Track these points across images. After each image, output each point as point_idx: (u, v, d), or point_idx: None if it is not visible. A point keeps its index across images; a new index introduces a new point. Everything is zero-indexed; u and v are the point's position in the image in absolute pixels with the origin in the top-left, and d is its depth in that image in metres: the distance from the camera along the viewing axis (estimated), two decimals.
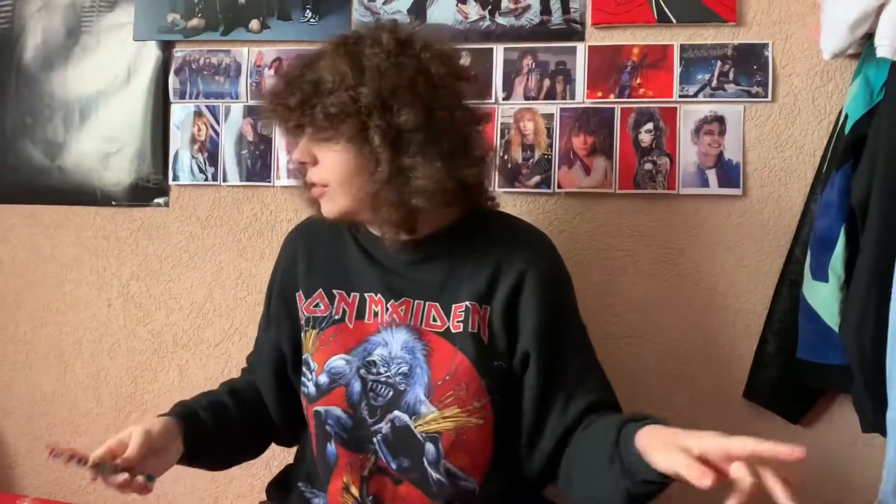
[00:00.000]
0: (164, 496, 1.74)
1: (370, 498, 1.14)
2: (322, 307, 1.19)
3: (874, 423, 1.28)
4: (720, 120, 1.54)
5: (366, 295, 1.18)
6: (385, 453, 1.13)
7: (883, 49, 1.28)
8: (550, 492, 1.22)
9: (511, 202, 1.60)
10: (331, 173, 1.11)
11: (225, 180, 1.73)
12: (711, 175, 1.54)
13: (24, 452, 1.84)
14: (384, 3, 1.66)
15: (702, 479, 0.78)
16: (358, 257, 1.20)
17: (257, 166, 1.72)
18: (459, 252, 1.16)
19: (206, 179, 1.74)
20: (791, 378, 1.45)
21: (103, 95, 1.81)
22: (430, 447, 1.12)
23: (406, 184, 1.07)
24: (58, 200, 1.82)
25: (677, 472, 0.83)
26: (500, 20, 1.62)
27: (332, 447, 1.16)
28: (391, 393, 1.13)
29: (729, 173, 1.53)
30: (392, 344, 1.14)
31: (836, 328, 1.34)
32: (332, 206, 1.14)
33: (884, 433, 1.24)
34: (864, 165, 1.30)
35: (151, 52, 1.77)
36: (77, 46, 1.82)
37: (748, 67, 1.53)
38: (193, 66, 1.75)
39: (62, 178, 1.82)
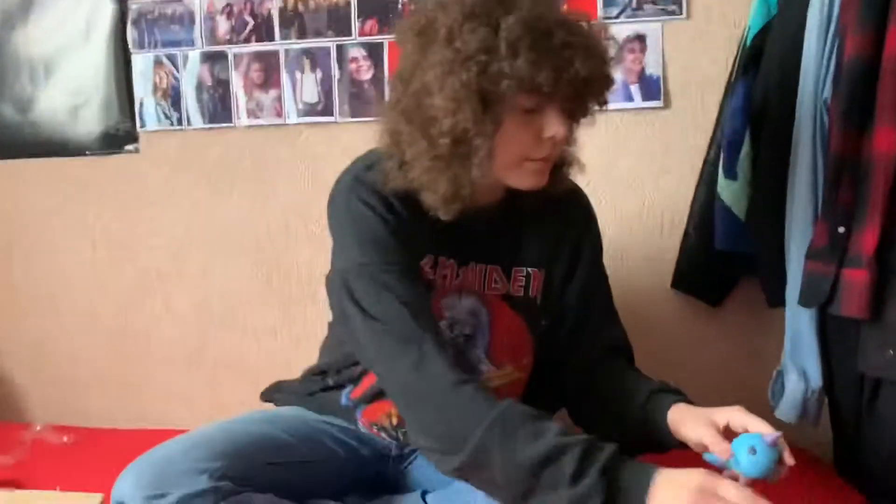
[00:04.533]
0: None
1: (402, 431, 1.26)
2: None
3: (777, 299, 1.48)
4: (641, 38, 1.68)
5: (439, 258, 1.18)
6: None
7: None
8: None
9: None
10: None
11: (189, 124, 1.86)
12: (635, 90, 1.69)
13: (31, 387, 2.01)
14: None
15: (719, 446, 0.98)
16: (432, 221, 1.13)
17: (218, 109, 1.84)
18: (518, 213, 1.20)
19: (172, 124, 1.87)
20: (711, 267, 1.64)
21: (65, 51, 1.91)
22: None
23: None
24: (34, 154, 1.94)
25: (702, 441, 1.00)
26: None
27: None
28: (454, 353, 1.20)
29: (651, 87, 1.69)
30: (457, 307, 1.19)
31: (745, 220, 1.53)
32: (546, 177, 1.14)
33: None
34: (761, 75, 1.46)
35: (107, 5, 1.87)
36: (34, 5, 1.91)
37: None
38: (149, 17, 1.85)
39: (35, 132, 1.94)
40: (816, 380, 1.38)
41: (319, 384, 1.32)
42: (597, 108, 1.13)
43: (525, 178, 1.12)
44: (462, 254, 1.19)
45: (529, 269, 1.22)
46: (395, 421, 1.25)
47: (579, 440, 0.92)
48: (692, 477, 0.89)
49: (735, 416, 1.01)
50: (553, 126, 1.06)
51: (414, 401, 1.04)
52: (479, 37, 1.00)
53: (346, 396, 1.28)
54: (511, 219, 1.21)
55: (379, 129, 1.15)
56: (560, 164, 1.19)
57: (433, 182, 1.08)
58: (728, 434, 1.01)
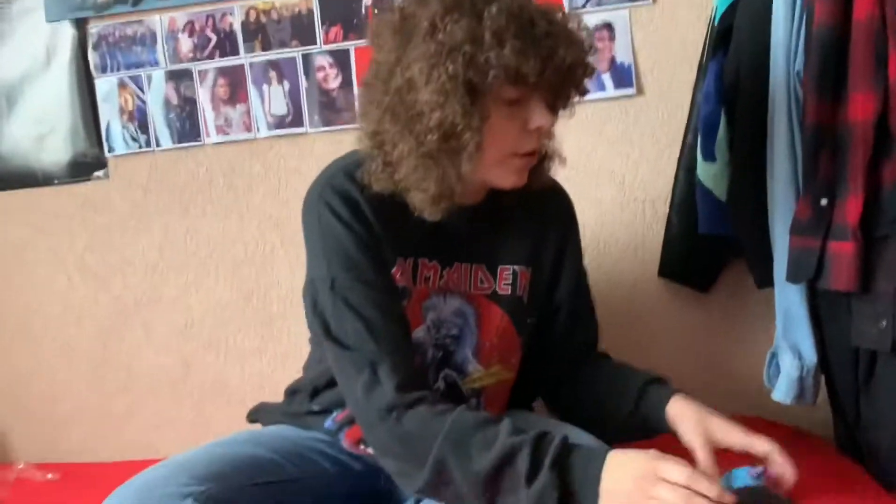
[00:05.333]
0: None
1: None
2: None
3: (765, 279, 1.45)
4: (609, 26, 1.66)
5: (419, 260, 1.15)
6: None
7: None
8: None
9: None
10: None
11: (158, 145, 1.83)
12: (607, 78, 1.67)
13: (11, 425, 1.95)
14: None
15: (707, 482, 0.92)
16: (412, 222, 1.11)
17: (186, 127, 1.81)
18: (500, 212, 1.18)
19: (140, 147, 1.83)
20: (697, 252, 1.61)
21: (27, 79, 1.87)
22: (473, 401, 1.20)
23: None
24: (2, 187, 1.90)
25: (694, 451, 1.01)
26: None
27: None
28: (441, 353, 1.18)
29: (622, 75, 1.67)
30: (441, 308, 1.17)
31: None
32: (526, 175, 1.12)
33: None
34: (731, 53, 1.44)
35: (67, 31, 1.83)
36: None
37: None
38: (110, 40, 1.82)
39: (2, 165, 1.89)
40: (811, 357, 1.34)
41: (304, 407, 1.28)
42: (577, 97, 1.12)
43: (508, 177, 1.10)
44: (445, 255, 1.16)
45: (516, 268, 1.20)
46: None
47: (527, 439, 0.95)
48: (639, 460, 0.92)
49: (735, 441, 1.03)
50: (538, 116, 1.05)
51: (369, 425, 1.05)
52: (464, 27, 0.98)
53: (331, 420, 1.24)
54: (493, 217, 1.19)
55: (358, 133, 1.12)
56: (541, 159, 1.17)
57: (421, 181, 1.06)
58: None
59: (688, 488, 0.88)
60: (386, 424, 1.01)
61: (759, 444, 1.02)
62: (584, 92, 1.12)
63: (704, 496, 0.87)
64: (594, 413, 1.17)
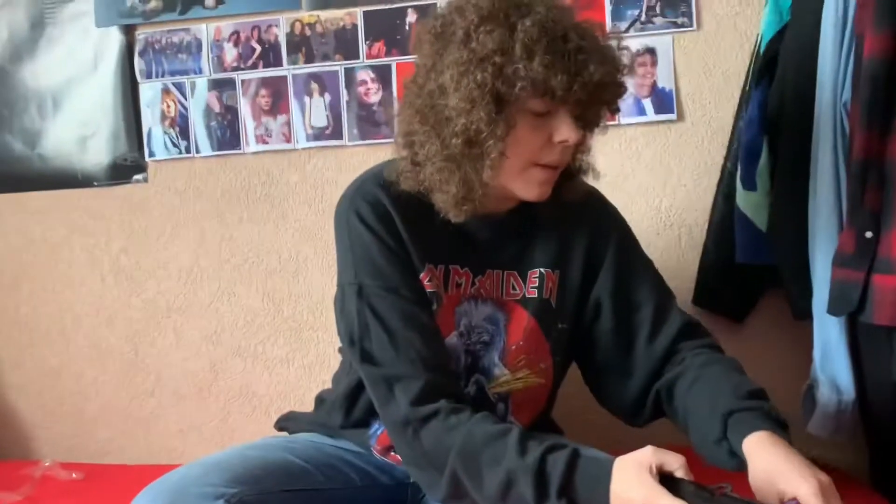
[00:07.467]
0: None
1: None
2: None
3: (803, 310, 1.43)
4: (651, 51, 1.66)
5: (450, 267, 1.16)
6: None
7: None
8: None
9: None
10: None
11: (198, 152, 1.85)
12: (648, 104, 1.67)
13: (39, 423, 1.97)
14: None
15: None
16: (442, 230, 1.14)
17: (226, 136, 1.83)
18: (531, 220, 1.20)
19: (180, 153, 1.86)
20: (733, 281, 1.60)
21: (73, 82, 1.91)
22: (500, 406, 1.19)
23: None
24: (42, 186, 1.93)
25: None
26: None
27: None
28: (470, 359, 1.18)
29: (664, 100, 1.66)
30: (473, 314, 1.18)
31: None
32: (550, 189, 1.13)
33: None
34: (777, 81, 1.44)
35: (114, 36, 1.87)
36: (42, 38, 1.91)
37: (673, 0, 1.65)
38: (156, 47, 1.85)
39: (43, 165, 1.93)
40: (849, 391, 1.32)
41: (337, 421, 1.27)
42: (608, 116, 1.14)
43: (530, 188, 1.12)
44: (477, 263, 1.18)
45: (543, 270, 1.20)
46: None
47: (530, 463, 0.95)
48: (642, 488, 0.88)
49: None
50: (564, 130, 1.06)
51: (391, 435, 1.10)
52: (496, 38, 1.01)
53: (375, 426, 1.24)
54: (525, 224, 1.20)
55: (395, 132, 1.16)
56: (575, 173, 1.19)
57: (444, 182, 1.08)
58: None
59: None
60: (404, 438, 1.04)
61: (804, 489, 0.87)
62: (615, 111, 1.13)
63: None
64: (691, 435, 1.08)
